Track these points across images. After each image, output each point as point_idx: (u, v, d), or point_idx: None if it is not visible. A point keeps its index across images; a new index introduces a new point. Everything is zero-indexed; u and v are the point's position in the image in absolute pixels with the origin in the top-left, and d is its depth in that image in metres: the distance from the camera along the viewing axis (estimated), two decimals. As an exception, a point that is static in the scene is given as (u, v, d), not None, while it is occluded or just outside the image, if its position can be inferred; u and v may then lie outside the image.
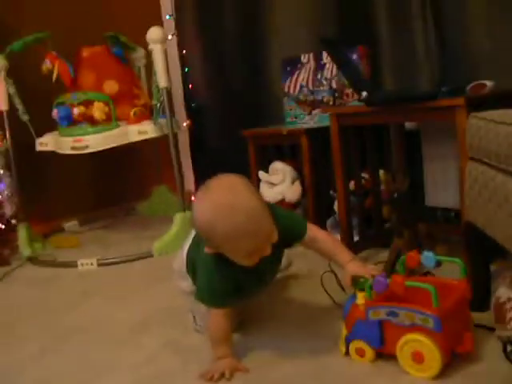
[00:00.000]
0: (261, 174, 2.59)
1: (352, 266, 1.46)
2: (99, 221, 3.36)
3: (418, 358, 1.27)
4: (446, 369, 1.27)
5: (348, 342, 1.40)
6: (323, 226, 2.41)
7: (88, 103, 2.63)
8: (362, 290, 1.37)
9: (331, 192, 2.42)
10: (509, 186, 1.25)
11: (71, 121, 2.63)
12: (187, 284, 1.62)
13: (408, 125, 2.29)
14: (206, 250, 1.39)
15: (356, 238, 2.18)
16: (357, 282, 1.42)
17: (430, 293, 1.24)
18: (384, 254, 2.05)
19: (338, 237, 2.15)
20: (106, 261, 2.51)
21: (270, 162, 2.64)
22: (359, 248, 2.16)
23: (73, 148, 2.59)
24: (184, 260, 1.61)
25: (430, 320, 1.24)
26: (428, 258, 1.38)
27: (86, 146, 2.59)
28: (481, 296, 1.56)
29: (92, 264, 2.48)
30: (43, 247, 2.88)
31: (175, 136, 2.75)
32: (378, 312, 1.32)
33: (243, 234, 1.29)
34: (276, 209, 1.46)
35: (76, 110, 2.60)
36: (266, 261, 1.38)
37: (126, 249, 2.69)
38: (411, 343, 1.28)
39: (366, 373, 1.32)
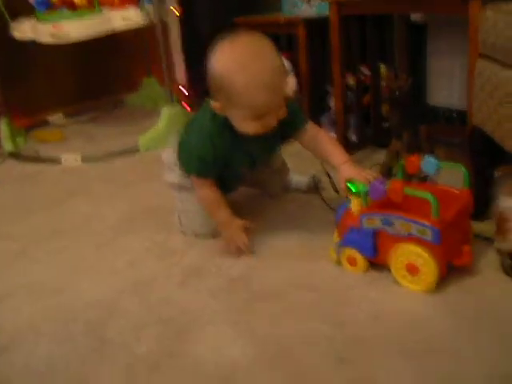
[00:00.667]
0: (253, 66, 2.44)
1: (347, 168, 1.39)
2: (85, 114, 3.22)
3: (412, 269, 1.21)
4: (441, 281, 1.21)
5: (340, 249, 1.33)
6: (318, 123, 2.30)
7: (67, -14, 2.43)
8: (357, 195, 1.28)
9: (328, 86, 2.29)
10: (525, 88, 1.13)
11: (49, 5, 2.43)
12: (174, 175, 1.56)
13: (414, 17, 2.12)
14: (214, 104, 1.34)
15: (352, 137, 2.08)
16: (351, 186, 1.32)
17: (430, 202, 1.15)
18: (381, 155, 1.95)
19: (334, 135, 2.04)
20: (91, 156, 2.40)
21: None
22: (355, 147, 2.07)
23: (53, 35, 2.40)
24: (175, 149, 1.56)
25: (428, 231, 1.16)
26: (429, 163, 1.29)
27: (67, 35, 2.40)
28: (482, 204, 1.48)
29: (76, 160, 2.38)
30: (26, 142, 2.75)
31: (164, 25, 2.58)
32: (373, 220, 1.24)
33: (263, 85, 1.25)
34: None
35: (54, -6, 2.40)
36: (260, 140, 1.39)
37: (112, 143, 2.59)
38: (407, 254, 1.21)
39: (357, 283, 1.27)
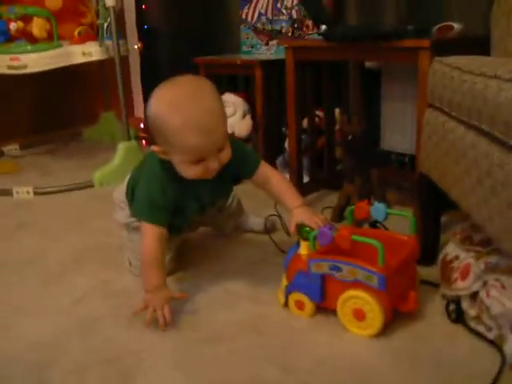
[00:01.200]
0: (211, 105, 2.46)
1: (299, 212, 1.39)
2: (42, 146, 3.19)
3: (359, 315, 1.22)
4: (387, 326, 1.23)
5: (288, 293, 1.34)
6: (273, 164, 2.33)
7: (27, 18, 2.42)
8: (306, 239, 1.29)
9: (283, 129, 2.33)
10: (468, 140, 1.17)
11: (8, 37, 2.42)
12: (124, 214, 1.55)
13: (368, 64, 2.18)
14: (154, 148, 1.33)
15: (306, 179, 2.11)
16: (301, 231, 1.34)
17: (378, 249, 1.17)
18: (334, 197, 1.99)
19: (287, 176, 2.07)
20: (43, 190, 2.37)
21: (222, 94, 2.51)
22: (308, 190, 2.10)
23: (9, 67, 2.39)
24: (124, 188, 1.55)
25: (374, 278, 1.18)
26: (378, 210, 1.32)
27: (25, 66, 2.39)
28: (429, 249, 1.52)
29: (28, 192, 2.34)
30: (-22, 172, 2.71)
31: (124, 60, 2.58)
32: (321, 265, 1.25)
33: (197, 127, 1.23)
34: (233, 138, 1.40)
35: (13, 25, 2.40)
36: (209, 185, 1.38)
37: (67, 177, 2.57)
38: (353, 300, 1.22)
39: (305, 327, 1.28)
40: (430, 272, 1.45)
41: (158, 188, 1.36)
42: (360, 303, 1.21)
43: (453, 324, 1.24)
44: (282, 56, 2.12)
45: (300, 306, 1.32)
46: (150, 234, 1.36)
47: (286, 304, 1.35)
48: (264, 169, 1.48)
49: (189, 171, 1.31)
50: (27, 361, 1.20)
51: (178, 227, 1.51)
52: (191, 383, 1.10)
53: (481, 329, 1.17)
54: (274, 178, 1.47)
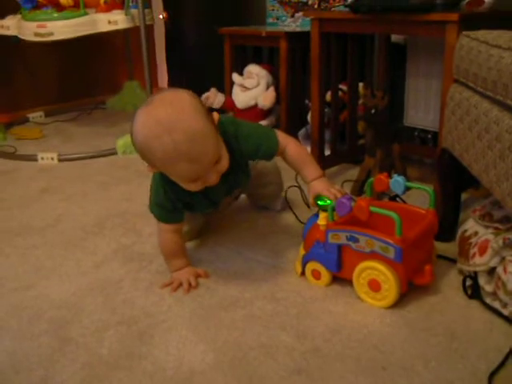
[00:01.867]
0: (235, 76, 2.46)
1: (316, 184, 1.39)
2: (66, 113, 3.22)
3: (374, 286, 1.23)
4: (402, 298, 1.24)
5: (305, 262, 1.35)
6: (295, 136, 2.33)
7: (54, -14, 2.43)
8: (325, 210, 1.30)
9: (306, 101, 2.32)
10: (492, 115, 1.16)
11: (35, 4, 2.44)
12: None
13: (395, 38, 2.16)
14: (148, 169, 1.27)
15: (327, 152, 2.11)
16: (319, 202, 1.35)
17: (395, 221, 1.17)
18: (354, 172, 1.99)
19: (309, 149, 2.06)
20: (68, 156, 2.40)
21: (246, 65, 2.51)
22: (329, 163, 2.09)
23: (36, 34, 2.41)
24: None
25: (390, 249, 1.18)
26: (397, 183, 1.31)
27: (51, 33, 2.41)
28: (448, 226, 1.52)
29: (52, 159, 2.38)
30: (4, 138, 2.74)
31: (149, 29, 2.58)
32: (338, 236, 1.26)
33: (180, 157, 1.16)
34: (241, 127, 1.36)
35: (40, -7, 2.41)
36: (219, 186, 1.29)
37: (90, 144, 2.61)
38: (369, 271, 1.23)
39: (320, 296, 1.29)
40: (447, 248, 1.46)
41: (161, 194, 1.35)
42: (376, 274, 1.22)
43: (469, 299, 1.24)
44: (307, 28, 2.10)
45: (316, 275, 1.33)
46: (165, 229, 1.38)
47: (303, 273, 1.36)
48: (281, 142, 1.41)
49: (188, 187, 1.26)
50: (49, 319, 1.23)
51: (199, 211, 1.50)
52: (207, 345, 1.12)
53: (496, 305, 1.18)
54: (291, 149, 1.41)
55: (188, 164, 1.18)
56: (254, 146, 1.36)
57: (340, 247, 1.28)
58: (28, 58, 3.10)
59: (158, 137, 1.15)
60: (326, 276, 1.32)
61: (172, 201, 1.34)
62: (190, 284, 1.33)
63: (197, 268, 1.40)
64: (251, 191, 1.69)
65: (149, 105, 1.19)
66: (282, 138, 1.42)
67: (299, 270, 1.37)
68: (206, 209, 1.47)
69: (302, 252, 1.38)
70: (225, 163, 1.25)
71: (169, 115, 1.15)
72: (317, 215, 1.34)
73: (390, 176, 1.35)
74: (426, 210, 1.33)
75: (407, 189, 1.31)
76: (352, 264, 1.26)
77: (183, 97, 1.20)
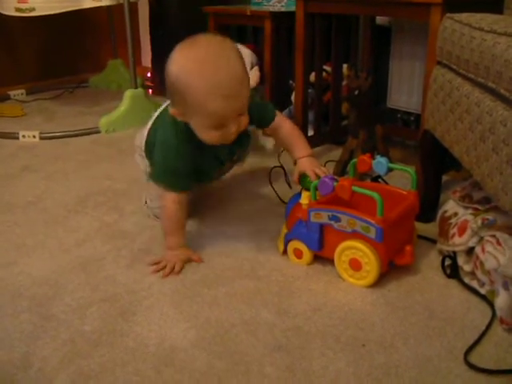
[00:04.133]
0: (219, 56, 2.44)
1: (303, 162, 1.41)
2: (48, 91, 3.19)
3: (355, 265, 1.25)
4: (382, 277, 1.26)
5: (287, 241, 1.36)
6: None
7: (36, -41, 2.39)
8: (308, 189, 1.31)
9: (290, 82, 2.32)
10: (473, 97, 1.17)
11: (16, -23, 2.40)
12: (145, 163, 1.56)
13: (380, 19, 2.16)
14: (172, 110, 1.29)
15: (310, 133, 2.11)
16: (303, 180, 1.36)
17: (376, 201, 1.19)
18: (337, 152, 2.00)
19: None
20: (49, 134, 2.38)
21: (230, 44, 2.49)
22: (312, 143, 2.06)
23: (17, 9, 2.38)
24: (144, 137, 1.53)
25: (371, 229, 1.20)
26: (380, 164, 1.32)
27: (33, 9, 2.38)
28: (429, 207, 1.53)
29: (34, 136, 2.35)
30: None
31: (133, 7, 2.55)
32: (320, 215, 1.27)
33: (220, 92, 1.19)
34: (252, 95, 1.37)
35: (22, -34, 2.37)
36: (227, 145, 1.34)
37: (72, 123, 2.60)
38: (351, 250, 1.25)
39: (302, 275, 1.30)
40: (428, 228, 1.48)
41: (173, 156, 1.33)
42: (357, 254, 1.24)
43: (448, 279, 1.26)
44: (292, 9, 2.10)
45: (298, 254, 1.35)
46: (170, 198, 1.36)
47: (285, 252, 1.37)
48: (278, 118, 1.48)
49: (207, 136, 1.28)
50: (30, 296, 1.23)
51: (198, 182, 1.50)
52: (188, 322, 1.13)
53: (474, 284, 1.20)
54: (285, 126, 1.47)
55: (224, 102, 1.20)
56: (259, 114, 1.40)
57: (322, 226, 1.29)
58: (9, 33, 3.06)
59: (200, 70, 1.19)
60: (307, 255, 1.33)
61: (183, 160, 1.34)
62: (173, 269, 1.32)
63: (192, 252, 1.38)
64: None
65: (192, 44, 1.24)
66: (280, 115, 1.49)
67: (281, 248, 1.38)
68: (214, 169, 1.50)
69: (284, 231, 1.39)
70: (246, 119, 1.29)
71: (212, 52, 1.21)
72: (299, 194, 1.34)
73: (373, 157, 1.36)
74: (407, 191, 1.35)
75: (390, 170, 1.32)
76: (334, 243, 1.28)
77: (224, 39, 1.26)
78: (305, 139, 1.49)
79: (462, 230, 1.22)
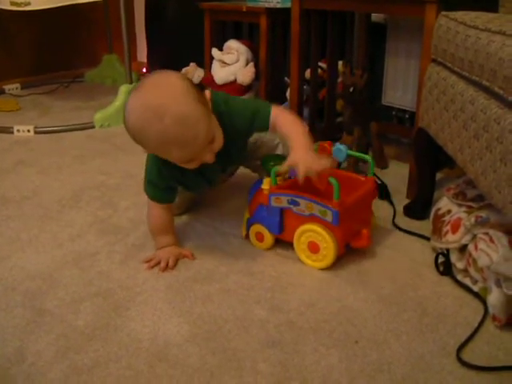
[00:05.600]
0: (214, 51, 2.45)
1: (294, 154, 1.27)
2: (43, 86, 3.18)
3: (313, 248, 1.30)
4: (376, 274, 1.28)
5: (249, 225, 1.40)
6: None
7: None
8: (277, 175, 1.34)
9: (286, 78, 2.32)
10: (467, 95, 1.18)
11: (11, -30, 2.39)
12: None
13: (375, 16, 2.16)
14: (143, 150, 1.25)
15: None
16: (266, 164, 1.40)
17: (333, 186, 1.22)
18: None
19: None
20: (44, 129, 2.38)
21: (226, 40, 2.50)
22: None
23: (12, 3, 2.36)
24: None
25: (328, 213, 1.24)
26: (339, 150, 1.38)
27: (28, 3, 2.37)
28: (423, 204, 1.54)
29: (29, 131, 2.35)
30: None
31: (129, 2, 2.55)
32: (280, 199, 1.32)
33: (172, 141, 1.15)
34: (233, 103, 1.33)
35: (17, -40, 2.36)
36: (213, 164, 1.27)
37: (67, 117, 2.59)
38: (308, 233, 1.30)
39: (295, 271, 1.31)
40: (422, 225, 1.49)
41: (155, 173, 1.33)
42: (314, 237, 1.28)
43: (441, 276, 1.27)
44: (288, 5, 2.10)
45: (260, 237, 1.39)
46: (154, 206, 1.37)
47: (247, 236, 1.42)
48: (272, 119, 1.34)
49: (185, 166, 1.26)
50: (24, 290, 1.23)
51: (189, 191, 1.50)
52: (182, 318, 1.13)
53: (467, 282, 1.20)
54: (280, 123, 1.33)
55: (180, 148, 1.17)
56: (248, 121, 1.32)
57: (282, 210, 1.33)
58: (4, 28, 3.05)
59: (148, 122, 1.14)
60: (268, 238, 1.38)
61: (166, 179, 1.34)
62: (167, 264, 1.32)
63: (183, 248, 1.39)
64: (248, 164, 1.63)
65: (139, 89, 1.18)
66: (276, 112, 1.34)
67: (244, 232, 1.42)
68: (201, 187, 1.47)
69: (246, 216, 1.43)
70: (219, 142, 1.24)
71: (158, 100, 1.13)
72: (261, 181, 1.37)
73: (332, 143, 1.41)
74: (365, 177, 1.40)
75: (348, 156, 1.39)
76: (293, 227, 1.32)
77: (173, 80, 1.18)
78: (302, 131, 1.32)
79: (455, 228, 1.23)
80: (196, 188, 1.48)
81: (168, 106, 1.13)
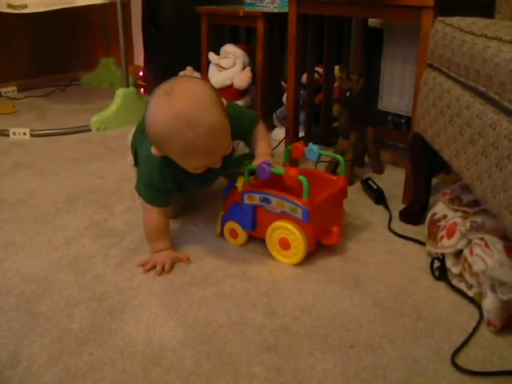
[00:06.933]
0: (211, 55, 2.45)
1: (260, 158, 1.42)
2: (40, 89, 3.18)
3: (284, 244, 1.34)
4: (371, 279, 1.29)
5: (223, 222, 1.44)
6: (270, 117, 2.34)
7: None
8: (251, 174, 1.38)
9: (282, 83, 2.32)
10: (463, 100, 1.18)
11: (8, -26, 2.39)
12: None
13: (372, 22, 2.17)
14: (154, 151, 1.27)
15: (301, 134, 2.11)
16: (242, 165, 1.43)
17: (303, 184, 1.26)
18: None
19: (283, 130, 2.08)
20: (40, 132, 2.37)
21: (223, 44, 2.50)
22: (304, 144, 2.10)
23: (9, 6, 2.36)
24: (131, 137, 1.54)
25: (298, 210, 1.28)
26: (312, 150, 1.41)
27: (25, 6, 2.37)
28: (419, 209, 1.54)
29: (25, 134, 2.35)
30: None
31: (126, 6, 2.55)
32: (253, 197, 1.36)
33: (199, 151, 1.20)
34: (235, 109, 1.37)
35: (15, -37, 2.36)
36: (213, 170, 1.31)
37: (64, 120, 2.59)
38: (280, 230, 1.34)
39: (290, 275, 1.31)
40: (417, 230, 1.49)
41: (157, 174, 1.32)
42: (285, 233, 1.32)
43: (436, 281, 1.27)
44: (285, 10, 2.10)
45: (234, 234, 1.44)
46: (151, 209, 1.36)
47: (222, 233, 1.46)
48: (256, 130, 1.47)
49: (194, 171, 1.28)
50: (19, 294, 1.22)
51: (182, 193, 1.50)
52: (177, 322, 1.12)
53: (462, 287, 1.21)
54: (260, 127, 1.48)
55: (204, 157, 1.22)
56: (244, 128, 1.41)
57: (255, 208, 1.37)
58: (1, 30, 3.05)
59: (179, 131, 1.17)
60: (242, 235, 1.42)
61: (166, 181, 1.34)
62: (163, 268, 1.32)
63: (179, 252, 1.39)
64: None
65: (168, 95, 1.18)
66: (260, 122, 1.48)
67: (219, 230, 1.47)
68: (198, 188, 1.50)
69: (221, 213, 1.46)
70: (230, 147, 1.28)
71: (190, 111, 1.16)
72: (235, 180, 1.40)
73: (305, 143, 1.44)
74: (337, 176, 1.44)
75: (320, 156, 1.41)
76: (265, 224, 1.37)
77: (201, 89, 1.21)
78: (268, 140, 1.49)
79: (450, 233, 1.23)
80: (193, 189, 1.49)
81: (200, 117, 1.16)
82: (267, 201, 1.33)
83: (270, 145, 1.48)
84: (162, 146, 1.23)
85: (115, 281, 1.28)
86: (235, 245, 1.43)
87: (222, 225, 1.45)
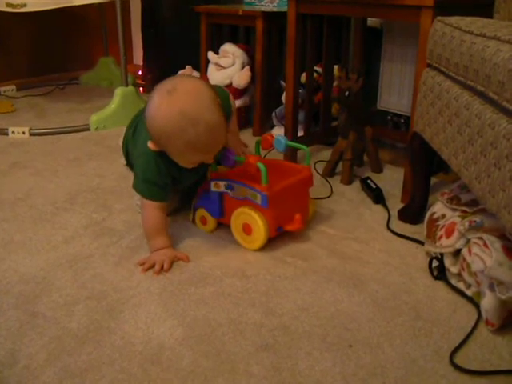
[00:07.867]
0: (210, 54, 2.45)
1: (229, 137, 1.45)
2: (39, 88, 3.19)
3: (247, 229, 1.40)
4: (371, 278, 1.28)
5: (194, 210, 1.52)
6: (269, 116, 2.34)
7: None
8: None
9: (281, 82, 2.32)
10: (462, 99, 1.18)
11: (7, -28, 2.38)
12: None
13: (371, 21, 2.17)
14: (150, 145, 1.32)
15: (300, 133, 2.11)
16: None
17: (261, 171, 1.33)
18: (326, 153, 2.01)
19: (282, 129, 2.08)
20: (39, 131, 2.37)
21: (222, 43, 2.49)
22: (302, 144, 2.09)
23: (8, 5, 2.36)
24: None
25: (258, 196, 1.35)
26: (279, 141, 1.47)
27: (24, 5, 2.36)
28: (417, 208, 1.54)
29: (24, 133, 2.34)
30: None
31: (125, 5, 2.55)
32: (219, 184, 1.42)
33: (201, 147, 1.27)
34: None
35: (13, -38, 2.36)
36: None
37: (63, 119, 2.59)
38: (242, 215, 1.40)
39: (289, 274, 1.31)
40: (416, 230, 1.49)
41: (153, 168, 1.35)
42: (247, 219, 1.39)
43: (434, 280, 1.27)
44: (284, 9, 2.10)
45: (204, 221, 1.51)
46: (149, 205, 1.38)
47: (194, 220, 1.53)
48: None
49: (189, 166, 1.35)
50: (18, 293, 1.22)
51: (175, 188, 1.51)
52: (175, 321, 1.13)
53: (461, 286, 1.21)
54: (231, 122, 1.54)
55: (204, 153, 1.30)
56: (229, 113, 1.45)
57: (221, 195, 1.44)
58: (0, 29, 3.04)
59: (183, 130, 1.23)
60: (211, 222, 1.49)
61: (163, 175, 1.36)
62: (162, 267, 1.32)
63: (178, 251, 1.39)
64: None
65: (172, 94, 1.24)
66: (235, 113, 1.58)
67: (191, 217, 1.54)
68: (191, 181, 1.52)
69: (193, 201, 1.51)
70: (225, 141, 1.35)
71: (193, 109, 1.23)
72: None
73: (273, 136, 1.51)
74: (302, 166, 1.52)
75: (287, 147, 1.48)
76: (231, 210, 1.43)
77: (204, 88, 1.27)
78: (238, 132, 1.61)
79: (449, 232, 1.23)
80: (187, 183, 1.51)
81: (202, 114, 1.23)
82: (231, 188, 1.40)
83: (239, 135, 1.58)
84: (162, 141, 1.28)
85: (114, 280, 1.28)
86: (205, 231, 1.50)
87: (194, 212, 1.52)
